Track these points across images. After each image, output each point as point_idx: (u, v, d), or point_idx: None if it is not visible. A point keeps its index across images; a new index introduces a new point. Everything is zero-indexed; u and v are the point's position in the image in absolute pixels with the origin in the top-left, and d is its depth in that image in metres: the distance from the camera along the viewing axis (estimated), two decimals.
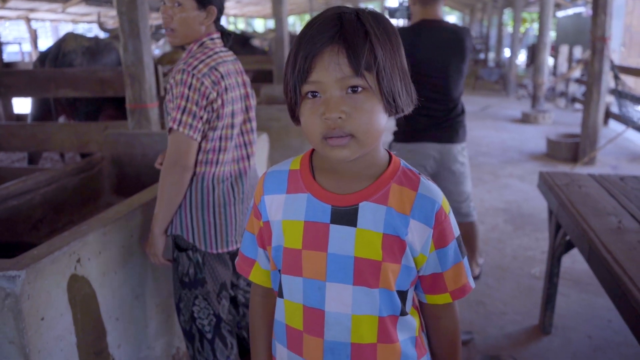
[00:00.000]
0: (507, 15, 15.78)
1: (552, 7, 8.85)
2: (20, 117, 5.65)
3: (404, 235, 0.87)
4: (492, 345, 2.46)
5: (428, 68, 2.55)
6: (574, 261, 3.19)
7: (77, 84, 3.44)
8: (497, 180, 5.22)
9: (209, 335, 1.79)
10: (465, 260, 0.94)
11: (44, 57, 4.45)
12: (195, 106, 1.61)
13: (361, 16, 0.82)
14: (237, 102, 1.75)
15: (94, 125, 3.55)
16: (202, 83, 1.61)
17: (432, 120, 2.64)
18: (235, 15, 22.54)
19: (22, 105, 7.50)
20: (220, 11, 1.74)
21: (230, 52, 1.81)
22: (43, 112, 4.64)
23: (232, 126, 1.74)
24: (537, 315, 2.66)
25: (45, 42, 14.96)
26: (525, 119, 8.50)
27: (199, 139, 1.65)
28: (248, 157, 1.83)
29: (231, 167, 1.77)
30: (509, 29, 15.09)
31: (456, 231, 0.93)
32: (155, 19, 9.48)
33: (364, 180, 0.89)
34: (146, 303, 1.86)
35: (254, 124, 1.87)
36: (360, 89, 0.81)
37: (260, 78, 6.94)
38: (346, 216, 0.88)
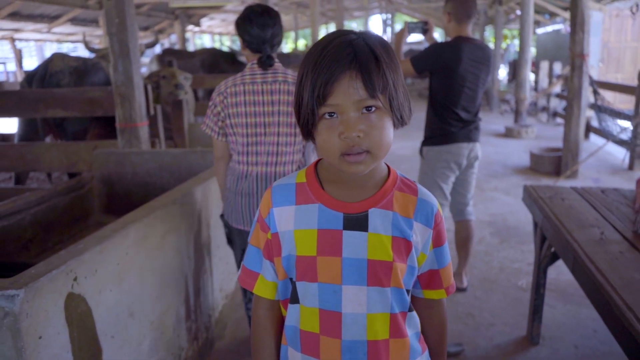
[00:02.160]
0: (489, 32, 16.12)
1: (532, 24, 9.08)
2: (6, 137, 5.62)
3: (410, 237, 0.97)
4: (481, 357, 2.50)
5: (465, 79, 2.91)
6: (559, 272, 3.26)
7: (66, 104, 3.46)
8: (483, 194, 5.31)
9: None
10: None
11: (30, 77, 4.46)
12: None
13: (368, 42, 0.90)
14: (239, 116, 2.06)
15: (83, 145, 3.56)
16: (212, 99, 2.11)
17: (464, 123, 3.01)
18: (220, 34, 22.69)
19: (7, 125, 7.45)
20: (247, 42, 2.07)
21: (261, 73, 2.06)
22: (30, 132, 4.63)
23: (235, 134, 2.09)
24: (524, 326, 2.72)
25: (30, 62, 14.91)
26: (508, 134, 8.65)
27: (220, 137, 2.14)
28: (256, 164, 2.09)
29: (239, 166, 2.11)
30: (491, 45, 15.40)
31: (446, 232, 1.05)
32: (142, 38, 9.51)
33: (369, 189, 0.98)
34: (141, 320, 1.87)
35: (268, 138, 2.08)
36: (374, 108, 0.89)
37: None
38: (358, 222, 0.96)
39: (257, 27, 2.03)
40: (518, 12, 14.39)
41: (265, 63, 2.03)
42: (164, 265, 2.03)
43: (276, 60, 2.09)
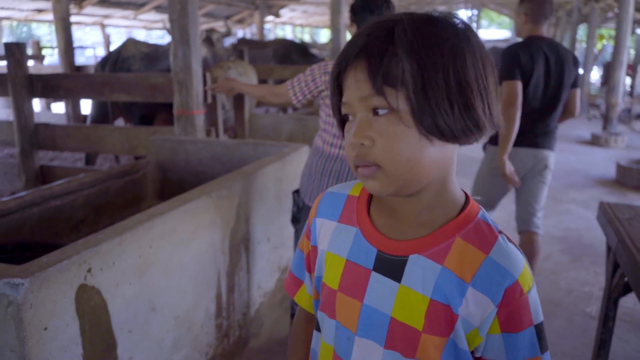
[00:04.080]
0: (582, 31, 15.03)
1: (631, 23, 8.30)
2: (84, 119, 5.89)
3: (456, 307, 0.71)
4: None
5: (539, 81, 2.74)
6: (635, 302, 2.90)
7: (129, 88, 3.51)
8: (558, 206, 4.90)
9: None
10: (546, 357, 0.74)
11: (104, 61, 4.61)
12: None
13: (399, 23, 0.67)
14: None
15: (144, 130, 3.61)
16: (312, 71, 2.21)
17: (532, 127, 2.79)
18: (302, 25, 22.84)
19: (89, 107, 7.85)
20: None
21: None
22: (101, 114, 4.80)
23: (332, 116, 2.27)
24: (588, 359, 2.42)
25: None
26: (594, 141, 8.00)
27: None
28: (327, 143, 2.20)
29: (331, 149, 2.19)
30: (583, 45, 14.37)
31: (537, 317, 0.72)
32: (222, 27, 9.67)
33: (422, 225, 0.74)
34: (164, 315, 1.82)
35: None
36: (384, 110, 0.68)
37: None
38: (391, 267, 0.74)
39: (374, 14, 2.04)
40: (617, 10, 13.30)
41: None
42: (194, 260, 1.97)
43: None
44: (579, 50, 14.36)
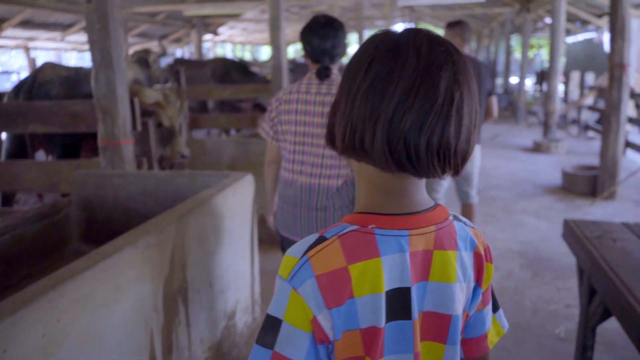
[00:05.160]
0: (515, 41, 15.55)
1: (564, 32, 8.55)
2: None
3: None
4: None
5: None
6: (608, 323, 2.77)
7: (46, 118, 3.12)
8: (510, 217, 4.83)
9: None
10: None
11: (18, 87, 4.16)
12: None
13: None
14: (289, 124, 2.08)
15: (65, 164, 3.22)
16: (270, 103, 2.18)
17: None
18: (242, 43, 22.54)
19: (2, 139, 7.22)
20: (308, 52, 2.09)
21: (317, 84, 2.06)
22: (19, 146, 4.32)
23: (285, 141, 2.13)
24: None
25: None
26: (537, 148, 8.13)
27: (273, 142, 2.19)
28: (300, 173, 2.10)
29: (286, 173, 2.15)
30: (517, 54, 14.84)
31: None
32: (161, 47, 9.24)
33: None
34: None
35: (314, 149, 2.06)
36: None
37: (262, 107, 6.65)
38: None
39: (319, 37, 2.03)
40: (547, 20, 13.82)
41: (322, 74, 2.04)
42: (120, 323, 1.64)
43: (335, 72, 2.09)
44: (512, 60, 14.81)
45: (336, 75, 2.08)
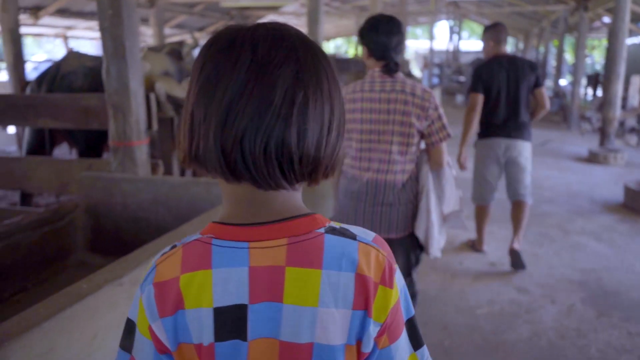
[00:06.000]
0: (567, 41, 14.72)
1: (627, 32, 7.86)
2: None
3: None
4: None
5: (505, 88, 3.58)
6: None
7: (57, 112, 2.85)
8: (567, 238, 4.32)
9: None
10: None
11: (41, 77, 3.92)
12: None
13: None
14: (354, 122, 2.15)
15: (76, 163, 2.94)
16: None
17: (504, 122, 3.63)
18: None
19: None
20: (372, 50, 2.12)
21: (380, 82, 2.12)
22: (41, 139, 4.08)
23: (350, 139, 2.19)
24: None
25: None
26: (592, 158, 7.49)
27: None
28: (367, 169, 2.17)
29: (352, 170, 2.21)
30: (567, 56, 14.02)
31: None
32: (200, 39, 9.01)
33: None
34: None
35: (381, 145, 2.13)
36: None
37: None
38: None
39: (384, 34, 2.07)
40: (605, 20, 12.98)
41: (392, 69, 2.09)
42: None
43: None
44: (565, 61, 14.01)
45: (400, 72, 2.15)
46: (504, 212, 4.30)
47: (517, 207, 3.69)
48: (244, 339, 0.66)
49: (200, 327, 0.66)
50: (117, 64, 2.51)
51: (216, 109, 0.62)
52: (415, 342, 0.73)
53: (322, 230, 0.68)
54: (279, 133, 0.62)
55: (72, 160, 2.98)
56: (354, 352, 0.68)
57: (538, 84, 3.58)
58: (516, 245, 3.65)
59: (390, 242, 2.16)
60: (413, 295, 2.39)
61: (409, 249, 2.29)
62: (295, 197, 0.70)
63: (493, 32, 3.66)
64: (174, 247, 0.70)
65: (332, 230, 0.69)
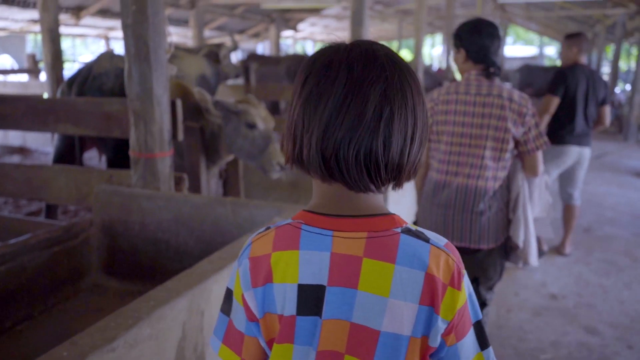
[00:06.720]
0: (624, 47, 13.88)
1: None
2: (23, 149, 4.92)
3: None
4: None
5: (583, 97, 3.71)
6: None
7: (78, 117, 2.62)
8: (636, 267, 3.83)
9: None
10: None
11: (73, 79, 3.72)
12: None
13: None
14: (446, 124, 2.09)
15: (96, 173, 2.70)
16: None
17: (575, 130, 3.75)
18: (323, 41, 22.08)
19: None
20: (472, 53, 2.05)
21: (476, 85, 2.05)
22: (71, 145, 3.87)
23: (439, 142, 2.14)
24: None
25: None
26: None
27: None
28: (456, 174, 2.09)
29: (438, 175, 2.14)
30: (623, 64, 13.20)
31: None
32: (240, 41, 8.84)
33: None
34: None
35: (473, 150, 2.05)
36: None
37: None
38: None
39: (487, 37, 2.03)
40: None
41: (494, 73, 2.04)
42: None
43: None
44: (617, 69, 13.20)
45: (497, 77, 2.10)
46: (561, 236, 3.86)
47: (568, 211, 3.90)
48: (320, 316, 0.74)
49: (284, 299, 0.75)
50: (139, 66, 2.25)
51: (318, 122, 0.72)
52: (482, 342, 0.79)
53: (399, 229, 0.76)
54: (367, 143, 0.71)
55: (91, 170, 2.74)
56: (418, 346, 0.74)
57: (605, 101, 3.75)
58: (567, 250, 3.96)
59: (479, 253, 2.11)
60: (483, 304, 2.29)
61: (497, 261, 2.16)
62: (377, 198, 0.78)
63: (578, 40, 3.78)
64: (267, 228, 0.80)
65: (408, 231, 0.76)
